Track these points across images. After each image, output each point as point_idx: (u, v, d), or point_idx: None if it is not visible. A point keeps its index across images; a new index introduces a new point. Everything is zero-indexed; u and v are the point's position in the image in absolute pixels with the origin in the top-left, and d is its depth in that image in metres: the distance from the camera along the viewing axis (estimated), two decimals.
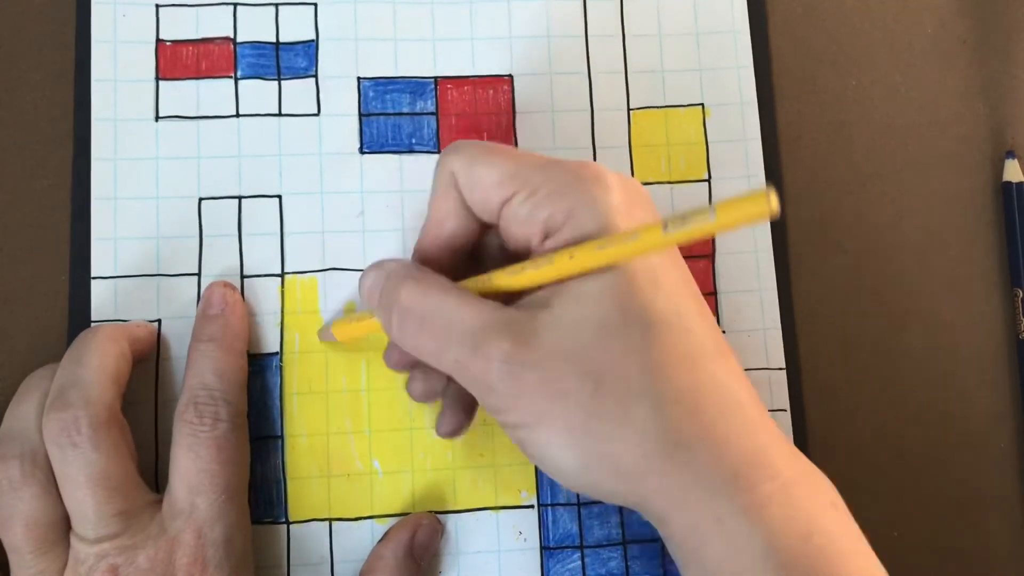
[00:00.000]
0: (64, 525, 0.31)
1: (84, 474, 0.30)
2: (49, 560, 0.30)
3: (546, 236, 0.29)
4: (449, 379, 0.32)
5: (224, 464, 0.31)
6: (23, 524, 0.30)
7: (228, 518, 0.31)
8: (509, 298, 0.29)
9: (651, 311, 0.28)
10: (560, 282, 0.28)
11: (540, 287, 0.29)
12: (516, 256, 0.30)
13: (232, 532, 0.31)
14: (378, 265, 0.31)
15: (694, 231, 0.24)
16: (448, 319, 0.29)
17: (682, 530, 0.28)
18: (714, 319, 0.30)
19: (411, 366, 0.34)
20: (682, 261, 0.31)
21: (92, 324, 0.35)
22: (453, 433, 0.34)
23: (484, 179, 0.30)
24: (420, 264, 0.32)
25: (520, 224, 0.29)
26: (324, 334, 0.35)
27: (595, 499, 0.30)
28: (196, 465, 0.31)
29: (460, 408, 0.34)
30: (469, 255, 0.33)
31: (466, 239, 0.32)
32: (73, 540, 0.30)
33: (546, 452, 0.28)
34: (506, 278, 0.29)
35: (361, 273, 0.32)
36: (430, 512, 0.35)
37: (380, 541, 0.34)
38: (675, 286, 0.29)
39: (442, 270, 0.31)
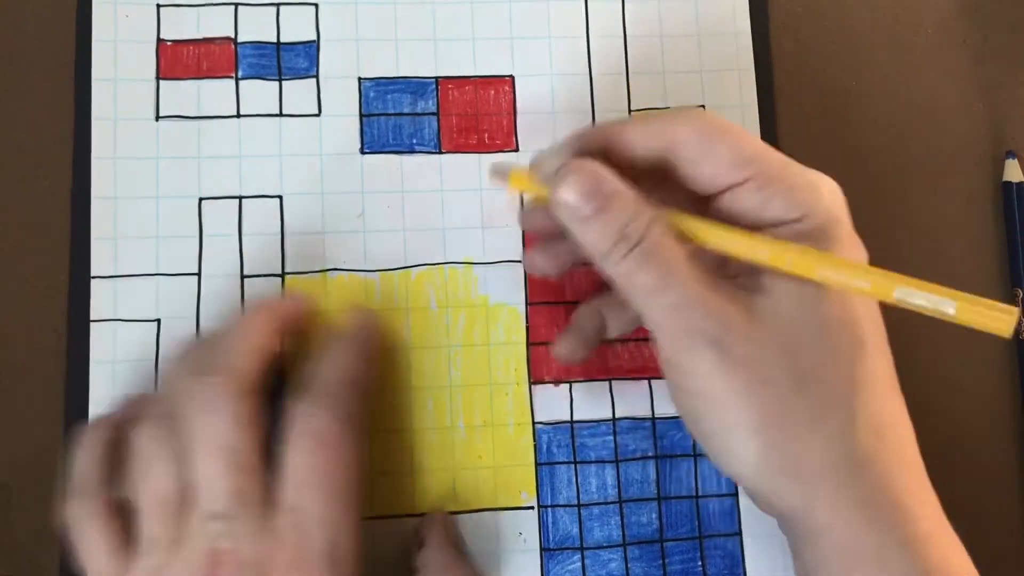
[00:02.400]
0: (189, 497, 0.29)
1: (215, 444, 0.29)
2: (165, 527, 0.29)
3: (772, 226, 0.29)
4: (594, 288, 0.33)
5: (336, 463, 0.30)
6: (151, 487, 0.29)
7: (335, 521, 0.29)
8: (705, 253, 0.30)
9: (862, 328, 0.29)
10: (774, 271, 0.29)
11: (750, 267, 0.29)
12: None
13: (338, 536, 0.29)
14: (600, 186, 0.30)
15: (923, 310, 0.27)
16: (679, 269, 0.29)
17: (839, 547, 0.28)
18: None
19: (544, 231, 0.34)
20: None
21: (92, 324, 0.35)
22: (571, 357, 0.35)
23: (721, 157, 0.29)
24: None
25: (745, 209, 0.30)
26: (496, 173, 0.33)
27: (749, 495, 0.31)
28: (307, 462, 0.29)
29: (590, 334, 0.34)
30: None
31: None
32: (190, 513, 0.29)
33: (727, 434, 0.29)
34: (732, 239, 0.29)
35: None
36: (438, 509, 0.35)
37: (422, 550, 0.34)
38: (875, 312, 0.30)
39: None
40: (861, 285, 0.28)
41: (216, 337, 0.32)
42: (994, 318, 0.25)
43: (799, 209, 0.29)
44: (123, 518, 0.30)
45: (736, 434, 0.28)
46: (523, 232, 0.37)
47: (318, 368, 0.32)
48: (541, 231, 0.35)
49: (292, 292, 0.36)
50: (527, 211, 0.35)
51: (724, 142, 0.29)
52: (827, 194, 0.30)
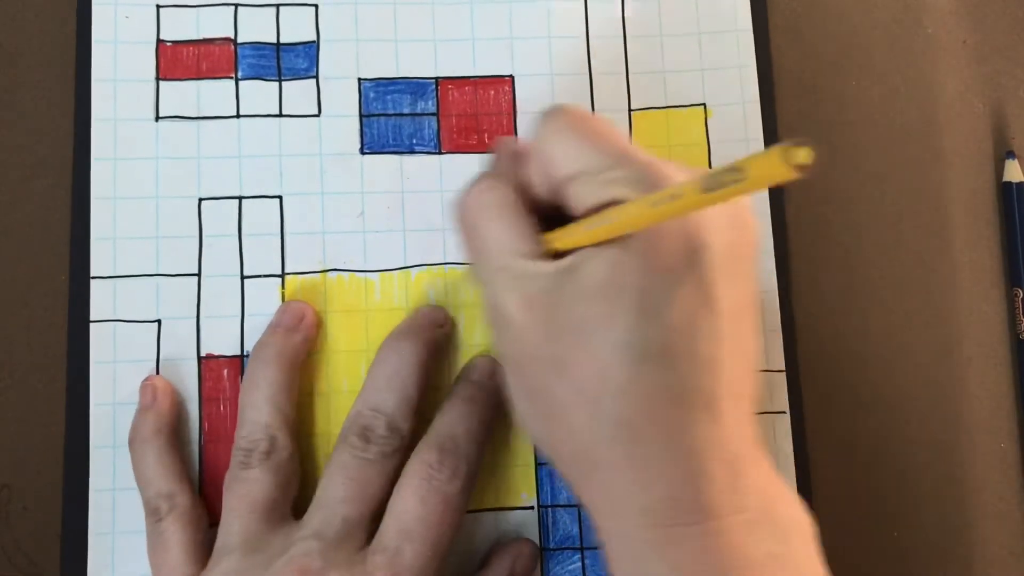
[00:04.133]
0: (279, 514, 0.32)
1: (343, 473, 0.31)
2: (257, 530, 0.31)
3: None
4: None
5: (444, 520, 0.31)
6: (244, 491, 0.32)
7: (424, 573, 0.30)
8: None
9: (642, 328, 0.26)
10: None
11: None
12: None
13: None
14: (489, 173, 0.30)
15: (729, 193, 0.22)
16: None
17: (600, 531, 0.28)
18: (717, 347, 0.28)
19: None
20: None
21: (91, 324, 0.35)
22: None
23: (555, 155, 0.29)
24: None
25: (582, 206, 0.28)
26: None
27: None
28: (418, 512, 0.30)
29: None
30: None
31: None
32: (290, 526, 0.31)
33: (510, 388, 0.30)
34: (558, 238, 0.28)
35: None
36: (527, 539, 0.35)
37: (480, 570, 0.34)
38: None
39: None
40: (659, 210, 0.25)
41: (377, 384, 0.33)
42: (774, 163, 0.21)
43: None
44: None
45: (518, 404, 0.30)
46: None
47: (447, 418, 0.33)
48: None
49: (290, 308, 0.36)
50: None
51: (558, 139, 0.29)
52: (659, 179, 0.27)
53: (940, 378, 0.38)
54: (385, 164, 0.37)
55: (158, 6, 0.37)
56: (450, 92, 0.38)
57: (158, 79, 0.37)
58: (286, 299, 0.36)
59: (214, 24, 0.37)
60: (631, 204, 0.26)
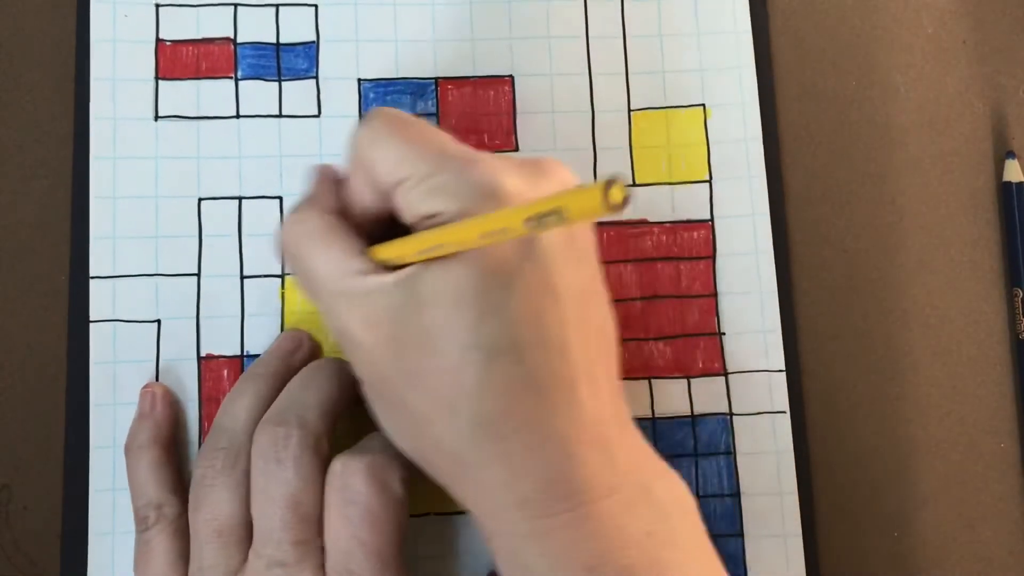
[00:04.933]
0: (247, 532, 0.31)
1: (279, 492, 0.30)
2: (224, 558, 0.30)
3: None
4: None
5: (378, 533, 0.30)
6: (209, 514, 0.31)
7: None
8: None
9: (479, 329, 0.26)
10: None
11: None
12: None
13: None
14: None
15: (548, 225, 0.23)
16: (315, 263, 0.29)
17: (482, 531, 0.28)
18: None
19: None
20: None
21: (91, 324, 0.35)
22: None
23: (376, 161, 0.28)
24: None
25: (411, 214, 0.28)
26: None
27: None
28: (347, 531, 0.30)
29: None
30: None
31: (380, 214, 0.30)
32: (251, 554, 0.30)
33: (379, 418, 0.30)
34: (385, 251, 0.28)
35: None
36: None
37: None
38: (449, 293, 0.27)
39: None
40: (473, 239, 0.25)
41: (291, 391, 0.32)
42: (589, 198, 0.21)
43: (456, 210, 0.27)
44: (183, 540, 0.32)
45: (379, 417, 0.30)
46: None
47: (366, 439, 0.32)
48: None
49: None
50: None
51: (383, 142, 0.28)
52: (483, 186, 0.27)
53: (940, 378, 0.38)
54: None
55: (157, 5, 0.37)
56: (450, 92, 0.38)
57: (157, 78, 0.37)
58: (286, 298, 0.36)
59: (214, 24, 0.37)
60: (459, 228, 0.26)
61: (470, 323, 0.26)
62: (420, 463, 0.29)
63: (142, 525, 0.32)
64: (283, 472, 0.30)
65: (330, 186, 0.31)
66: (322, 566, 0.30)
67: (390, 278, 0.27)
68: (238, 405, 0.32)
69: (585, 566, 0.26)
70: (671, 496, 0.28)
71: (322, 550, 0.30)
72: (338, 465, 0.30)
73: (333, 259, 0.28)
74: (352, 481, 0.30)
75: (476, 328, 0.26)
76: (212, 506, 0.31)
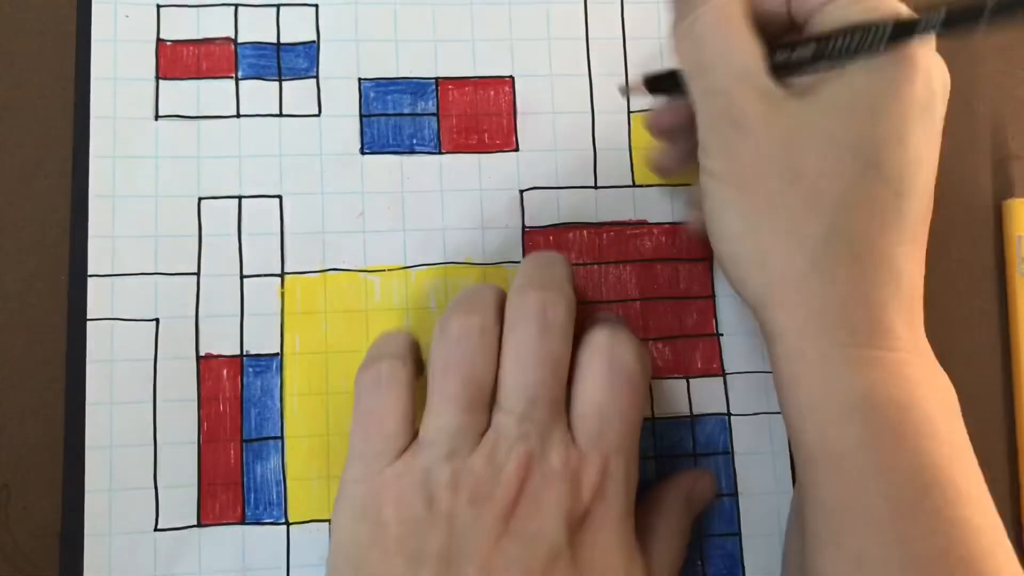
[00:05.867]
0: (492, 396, 0.31)
1: (544, 351, 0.30)
2: (470, 418, 0.30)
3: None
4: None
5: (634, 404, 0.31)
6: (461, 374, 0.30)
7: (630, 454, 0.30)
8: None
9: (879, 155, 0.28)
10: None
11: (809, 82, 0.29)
12: None
13: (631, 467, 0.30)
14: None
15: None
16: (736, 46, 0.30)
17: (788, 353, 0.28)
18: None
19: (670, 133, 0.35)
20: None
21: (88, 323, 0.35)
22: (666, 169, 0.36)
23: None
24: None
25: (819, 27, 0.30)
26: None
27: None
28: (609, 398, 0.30)
29: (686, 153, 0.35)
30: None
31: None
32: (500, 414, 0.30)
33: (720, 207, 0.30)
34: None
35: None
36: (708, 471, 0.36)
37: (659, 484, 0.35)
38: (914, 154, 0.29)
39: None
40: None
41: (531, 264, 0.33)
42: None
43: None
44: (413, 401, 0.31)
45: (726, 211, 0.30)
46: (523, 233, 0.37)
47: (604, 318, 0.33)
48: (668, 128, 0.35)
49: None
50: (655, 112, 0.35)
51: None
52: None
53: None
54: (385, 164, 0.37)
55: (158, 5, 0.37)
56: (450, 92, 0.38)
57: (158, 78, 0.37)
58: (286, 298, 0.36)
59: (214, 24, 0.37)
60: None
61: (874, 141, 0.28)
62: (748, 273, 0.29)
63: (374, 370, 0.31)
64: (549, 333, 0.30)
65: None
66: (568, 427, 0.30)
67: (807, 79, 0.29)
68: (485, 290, 0.32)
69: (896, 402, 0.27)
70: (950, 392, 0.30)
71: (562, 418, 0.30)
72: (604, 335, 0.31)
73: (749, 46, 0.29)
74: (621, 351, 0.30)
75: (878, 148, 0.28)
76: (464, 365, 0.30)
